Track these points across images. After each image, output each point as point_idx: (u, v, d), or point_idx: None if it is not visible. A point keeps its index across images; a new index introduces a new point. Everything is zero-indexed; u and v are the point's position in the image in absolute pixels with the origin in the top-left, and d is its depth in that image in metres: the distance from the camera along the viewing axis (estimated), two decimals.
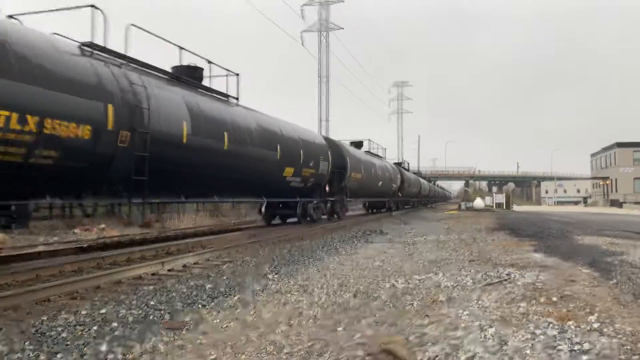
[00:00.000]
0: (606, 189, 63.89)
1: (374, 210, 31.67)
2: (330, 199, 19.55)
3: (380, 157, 29.68)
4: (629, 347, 3.62)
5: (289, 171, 15.28)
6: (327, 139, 20.92)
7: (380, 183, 26.86)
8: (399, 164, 37.01)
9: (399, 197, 33.44)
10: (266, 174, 13.90)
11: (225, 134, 11.42)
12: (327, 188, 19.14)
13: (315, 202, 18.32)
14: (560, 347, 3.58)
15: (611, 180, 62.57)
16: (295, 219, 17.67)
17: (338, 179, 19.75)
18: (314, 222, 17.85)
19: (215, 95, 12.28)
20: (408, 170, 41.61)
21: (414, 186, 40.25)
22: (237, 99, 13.22)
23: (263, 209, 17.12)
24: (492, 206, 44.66)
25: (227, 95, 12.83)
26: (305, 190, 17.28)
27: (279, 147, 14.28)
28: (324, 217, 19.51)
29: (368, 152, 26.92)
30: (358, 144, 25.39)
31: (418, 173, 53.60)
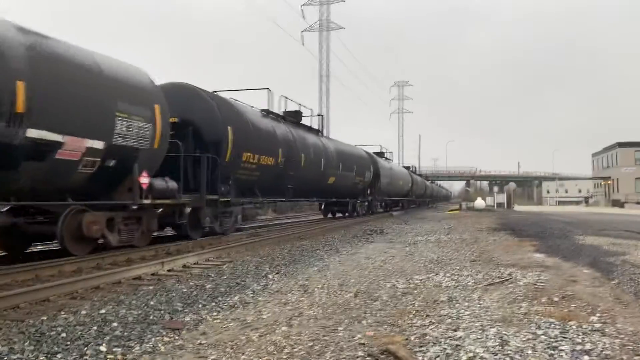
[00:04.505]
0: (608, 189, 63.83)
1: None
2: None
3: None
4: (630, 347, 3.60)
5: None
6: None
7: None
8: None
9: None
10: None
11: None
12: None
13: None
14: (562, 348, 3.56)
15: (613, 180, 62.50)
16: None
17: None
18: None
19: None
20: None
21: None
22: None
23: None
24: (493, 206, 44.65)
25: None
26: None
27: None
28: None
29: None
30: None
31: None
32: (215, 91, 13.00)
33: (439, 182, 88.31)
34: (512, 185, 51.43)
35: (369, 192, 25.51)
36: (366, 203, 25.57)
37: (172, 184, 9.85)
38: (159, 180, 9.49)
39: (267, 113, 14.81)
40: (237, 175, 12.12)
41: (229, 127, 11.56)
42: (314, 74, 48.84)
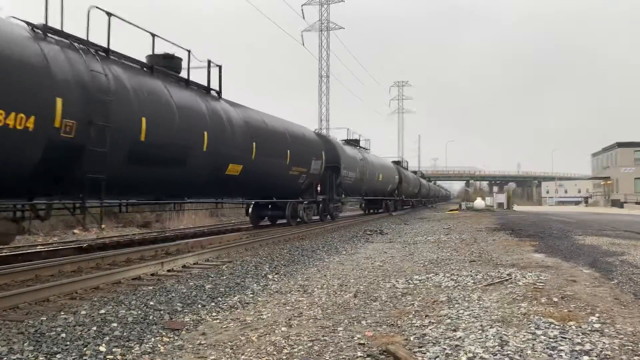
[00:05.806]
0: (607, 189, 63.83)
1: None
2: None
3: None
4: (630, 347, 3.60)
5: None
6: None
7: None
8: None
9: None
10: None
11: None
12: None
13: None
14: (561, 348, 3.57)
15: (612, 180, 62.51)
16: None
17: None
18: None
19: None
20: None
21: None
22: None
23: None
24: (493, 206, 44.64)
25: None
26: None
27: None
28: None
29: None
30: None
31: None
32: None
33: (438, 182, 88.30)
34: (512, 185, 51.53)
35: (319, 189, 18.22)
36: (319, 205, 18.57)
37: None
38: None
39: (44, 34, 7.41)
40: None
41: None
42: (314, 74, 48.77)
